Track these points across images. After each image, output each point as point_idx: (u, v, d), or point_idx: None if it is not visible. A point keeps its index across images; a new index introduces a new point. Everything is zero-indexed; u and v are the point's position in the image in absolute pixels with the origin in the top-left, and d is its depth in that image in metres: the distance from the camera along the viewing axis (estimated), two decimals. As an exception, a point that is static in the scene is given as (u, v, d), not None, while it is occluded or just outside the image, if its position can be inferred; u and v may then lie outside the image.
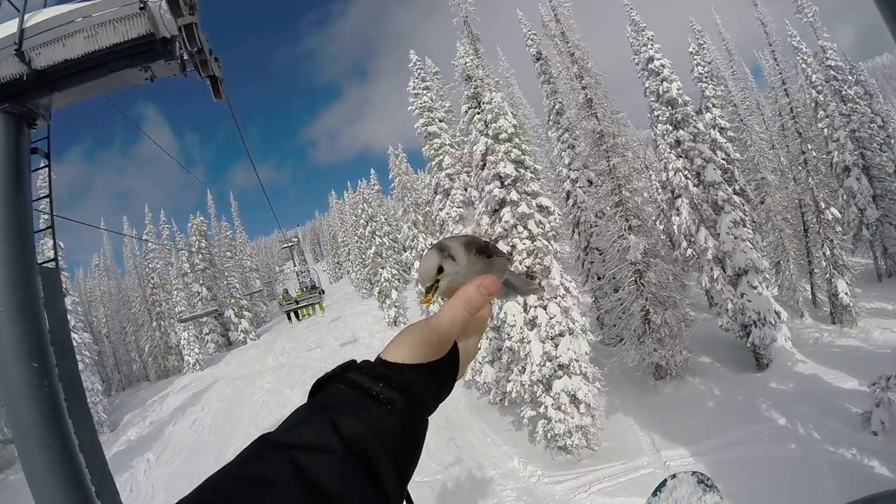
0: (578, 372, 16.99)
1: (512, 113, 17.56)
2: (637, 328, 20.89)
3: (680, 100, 23.83)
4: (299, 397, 27.50)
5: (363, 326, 41.27)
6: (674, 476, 1.64)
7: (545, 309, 16.46)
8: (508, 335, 16.48)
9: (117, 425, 33.17)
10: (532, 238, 16.36)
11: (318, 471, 0.56)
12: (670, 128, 24.77)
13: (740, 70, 34.85)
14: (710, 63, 28.47)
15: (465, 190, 21.87)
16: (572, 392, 16.90)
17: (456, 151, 22.62)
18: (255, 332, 49.18)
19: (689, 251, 26.57)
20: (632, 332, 20.93)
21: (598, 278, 24.54)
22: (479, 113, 17.56)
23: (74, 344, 31.44)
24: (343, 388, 0.66)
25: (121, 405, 39.15)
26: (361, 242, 48.90)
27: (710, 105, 26.49)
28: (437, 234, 22.70)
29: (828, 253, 26.03)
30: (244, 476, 0.55)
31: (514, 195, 16.36)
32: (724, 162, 25.16)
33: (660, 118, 26.63)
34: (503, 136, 16.82)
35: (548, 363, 16.35)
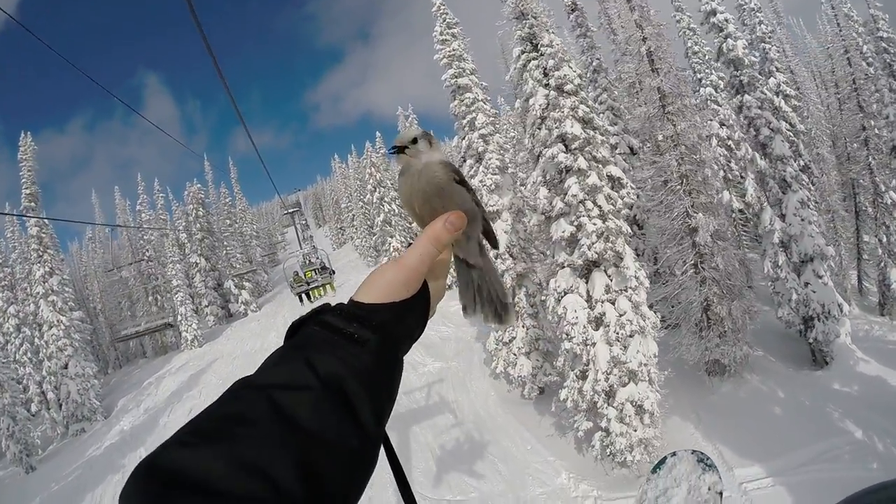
0: (646, 377, 13.64)
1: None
2: (698, 320, 17.66)
3: (746, 60, 20.26)
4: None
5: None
6: (674, 454, 1.50)
7: (614, 304, 13.00)
8: (568, 335, 13.02)
9: (111, 411, 30.11)
10: (603, 217, 12.80)
11: (296, 408, 0.55)
12: (717, 94, 21.65)
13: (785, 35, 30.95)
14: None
15: (501, 154, 18.22)
16: (639, 402, 13.65)
17: (490, 109, 18.86)
18: (256, 304, 45.85)
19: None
20: (691, 325, 17.66)
21: (637, 255, 21.38)
22: (536, 58, 13.77)
23: (64, 325, 28.32)
24: (318, 329, 0.64)
25: (116, 386, 36.06)
26: (367, 209, 46.14)
27: (774, 69, 22.85)
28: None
29: (884, 240, 22.99)
30: (223, 415, 0.54)
31: (581, 162, 12.79)
32: (790, 133, 21.69)
33: (703, 81, 23.52)
34: (569, 87, 13.19)
35: (615, 370, 12.92)
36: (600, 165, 13.12)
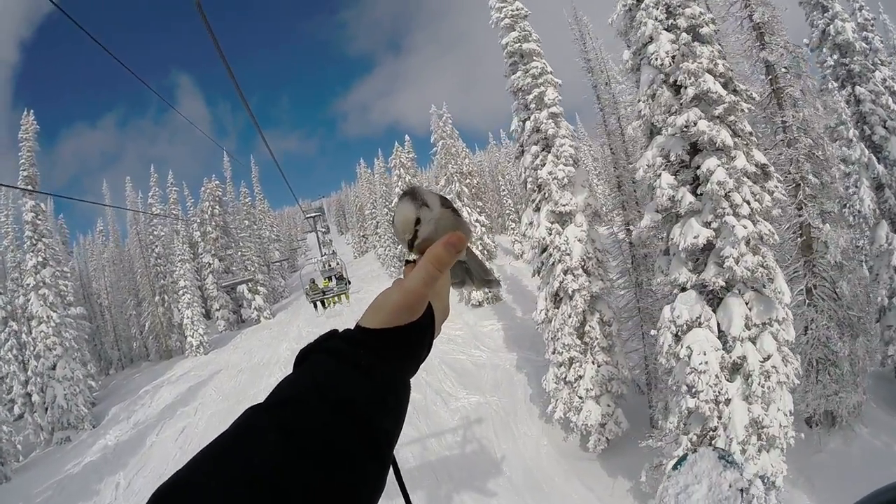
0: (783, 444, 9.10)
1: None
2: (811, 360, 13.23)
3: (857, 45, 15.92)
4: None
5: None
6: (695, 450, 1.45)
7: (755, 344, 8.42)
8: (691, 388, 8.46)
9: (101, 420, 25.80)
10: (753, 218, 8.27)
11: (307, 435, 0.53)
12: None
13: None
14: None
15: (573, 141, 13.81)
16: (772, 477, 9.08)
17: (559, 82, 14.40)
18: (270, 311, 41.22)
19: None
20: (804, 365, 13.16)
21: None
22: (656, -9, 9.32)
23: (54, 323, 24.30)
24: (325, 356, 0.62)
25: (114, 390, 31.79)
26: (392, 215, 40.86)
27: (879, 61, 18.34)
28: (528, 203, 14.53)
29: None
30: (235, 441, 0.53)
31: (725, 136, 8.27)
32: (902, 136, 17.23)
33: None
34: (705, 30, 8.72)
35: (752, 437, 8.38)
36: (746, 145, 8.76)
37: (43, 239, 26.41)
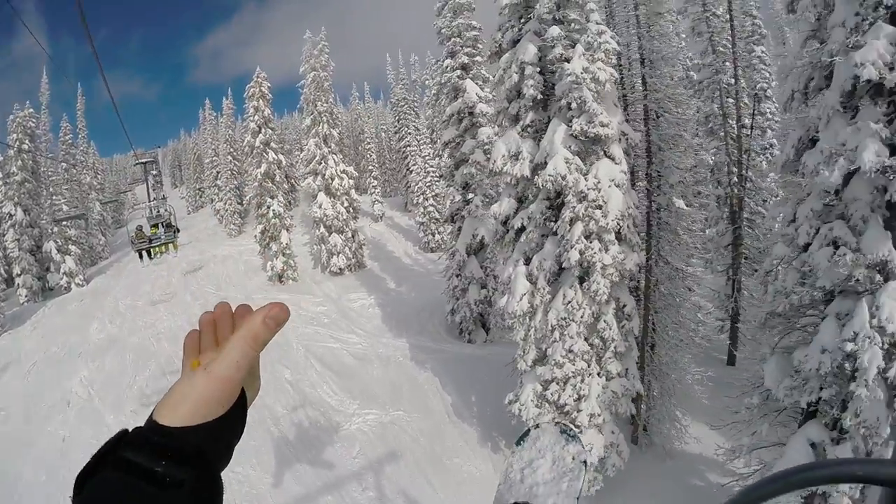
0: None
1: None
2: None
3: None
4: (124, 426, 13.59)
5: (232, 279, 28.07)
6: (537, 426, 1.51)
7: None
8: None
9: None
10: None
11: None
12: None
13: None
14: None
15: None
16: None
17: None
18: (84, 276, 32.59)
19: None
20: None
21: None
22: None
23: None
24: (117, 476, 0.48)
25: None
26: (239, 163, 38.20)
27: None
28: (511, 120, 9.50)
29: None
30: None
31: None
32: None
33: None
34: None
35: None
36: None
37: None
